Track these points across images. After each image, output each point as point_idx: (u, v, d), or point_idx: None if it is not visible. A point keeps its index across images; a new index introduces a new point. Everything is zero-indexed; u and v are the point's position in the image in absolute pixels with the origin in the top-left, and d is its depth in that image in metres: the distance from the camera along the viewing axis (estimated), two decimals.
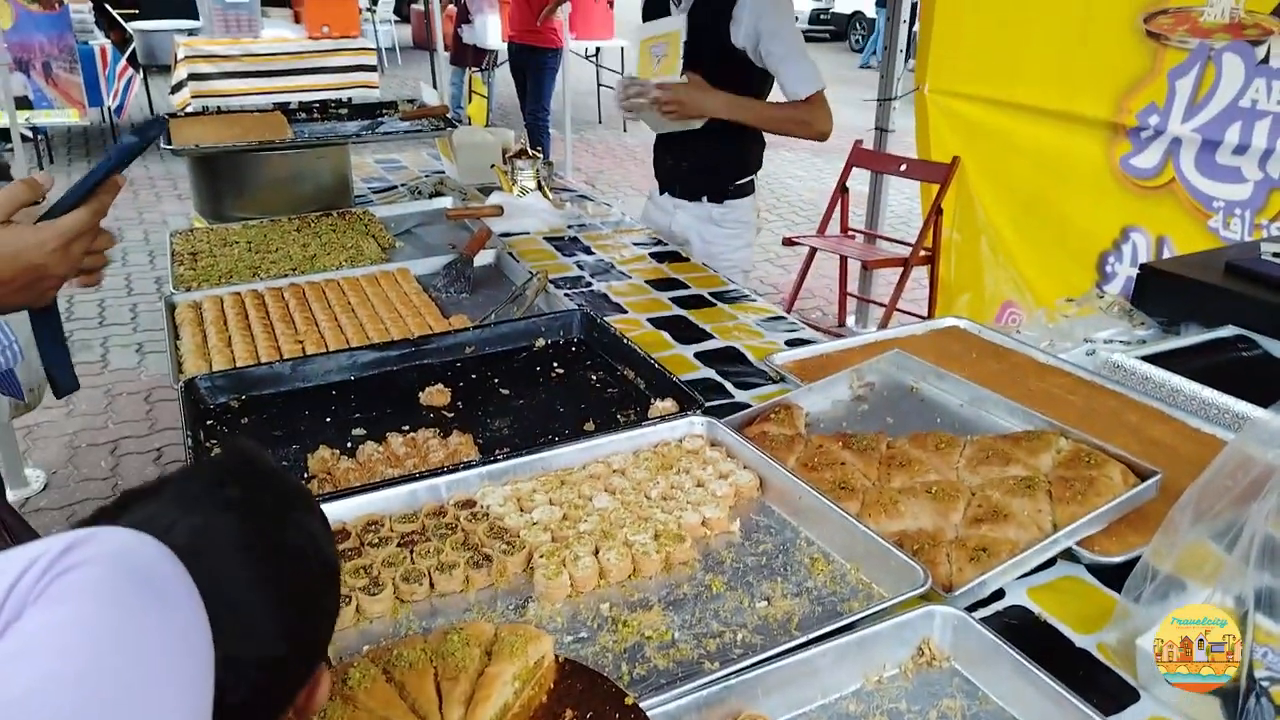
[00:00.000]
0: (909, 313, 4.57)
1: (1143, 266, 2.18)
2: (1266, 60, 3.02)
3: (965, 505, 1.35)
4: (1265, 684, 1.00)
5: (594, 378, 1.85)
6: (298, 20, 7.97)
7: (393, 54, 13.86)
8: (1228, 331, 1.93)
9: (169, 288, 2.23)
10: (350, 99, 3.77)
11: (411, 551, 1.25)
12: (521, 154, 3.05)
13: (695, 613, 1.18)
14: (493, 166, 3.17)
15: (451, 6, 8.76)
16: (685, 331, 2.12)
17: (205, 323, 2.04)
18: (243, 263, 2.41)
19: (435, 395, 1.74)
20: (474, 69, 8.71)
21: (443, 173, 3.49)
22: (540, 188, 3.02)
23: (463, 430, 1.60)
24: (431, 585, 1.22)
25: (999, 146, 4.07)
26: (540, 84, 7.38)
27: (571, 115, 8.07)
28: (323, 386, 1.80)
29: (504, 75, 8.54)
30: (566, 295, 2.24)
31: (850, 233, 4.93)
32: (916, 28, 4.59)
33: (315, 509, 0.77)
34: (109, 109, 8.44)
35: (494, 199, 2.95)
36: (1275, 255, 2.04)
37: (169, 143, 2.75)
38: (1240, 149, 3.12)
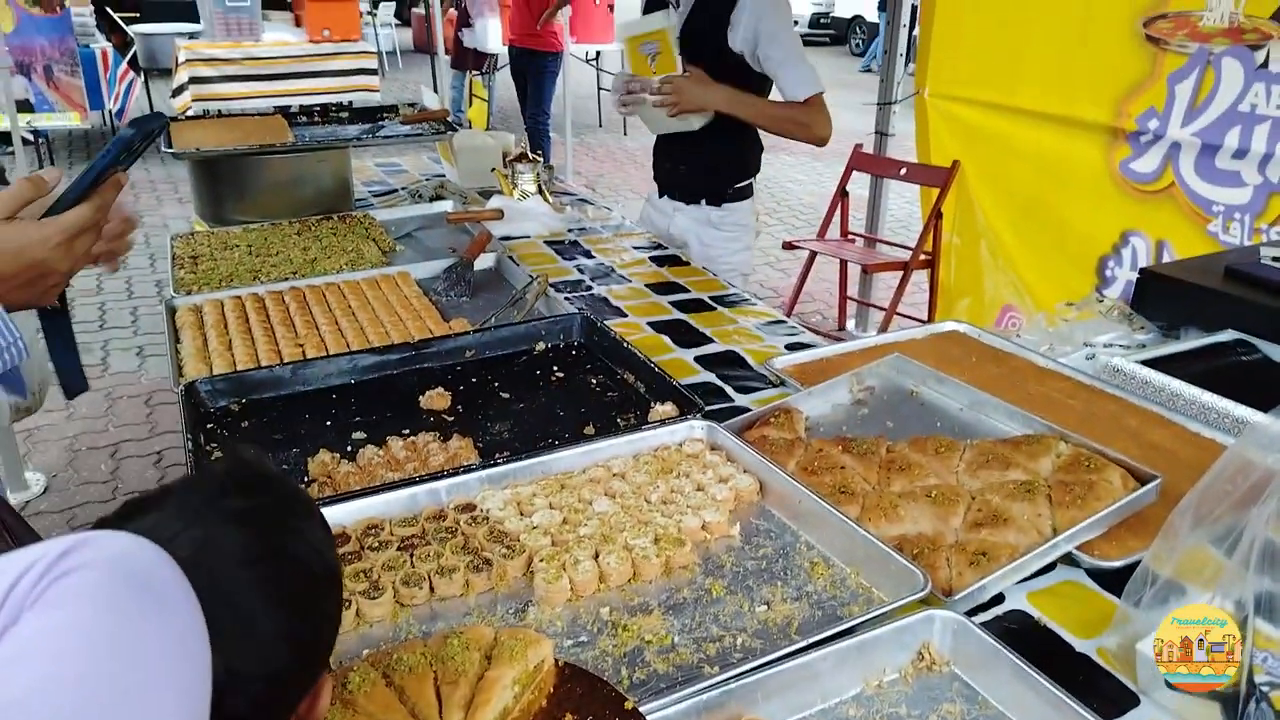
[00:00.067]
0: (909, 316, 4.57)
1: (1142, 271, 2.18)
2: (1266, 65, 3.03)
3: (965, 509, 1.35)
4: (1265, 689, 1.00)
5: (594, 381, 1.85)
6: (298, 24, 7.98)
7: (393, 57, 13.88)
8: (1227, 336, 1.93)
9: (169, 291, 2.23)
10: (351, 102, 3.77)
11: (411, 555, 1.25)
12: (522, 158, 3.06)
13: (695, 617, 1.18)
14: (493, 170, 3.18)
15: (452, 10, 8.76)
16: (685, 335, 2.12)
17: (206, 326, 2.04)
18: (243, 266, 2.41)
19: (435, 399, 1.74)
20: (474, 73, 8.73)
21: (443, 176, 3.49)
22: (540, 191, 3.02)
23: (463, 434, 1.60)
24: (431, 589, 1.22)
25: (999, 150, 4.08)
26: (540, 88, 7.39)
27: (572, 119, 8.08)
28: (323, 390, 1.80)
29: (504, 79, 8.56)
30: (566, 299, 2.24)
31: (850, 236, 4.93)
32: (916, 32, 4.59)
33: (317, 516, 0.77)
34: (110, 112, 8.45)
35: (494, 203, 2.95)
36: (1275, 259, 2.04)
37: (170, 146, 2.75)
38: (1240, 153, 3.12)
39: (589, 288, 2.40)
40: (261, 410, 1.73)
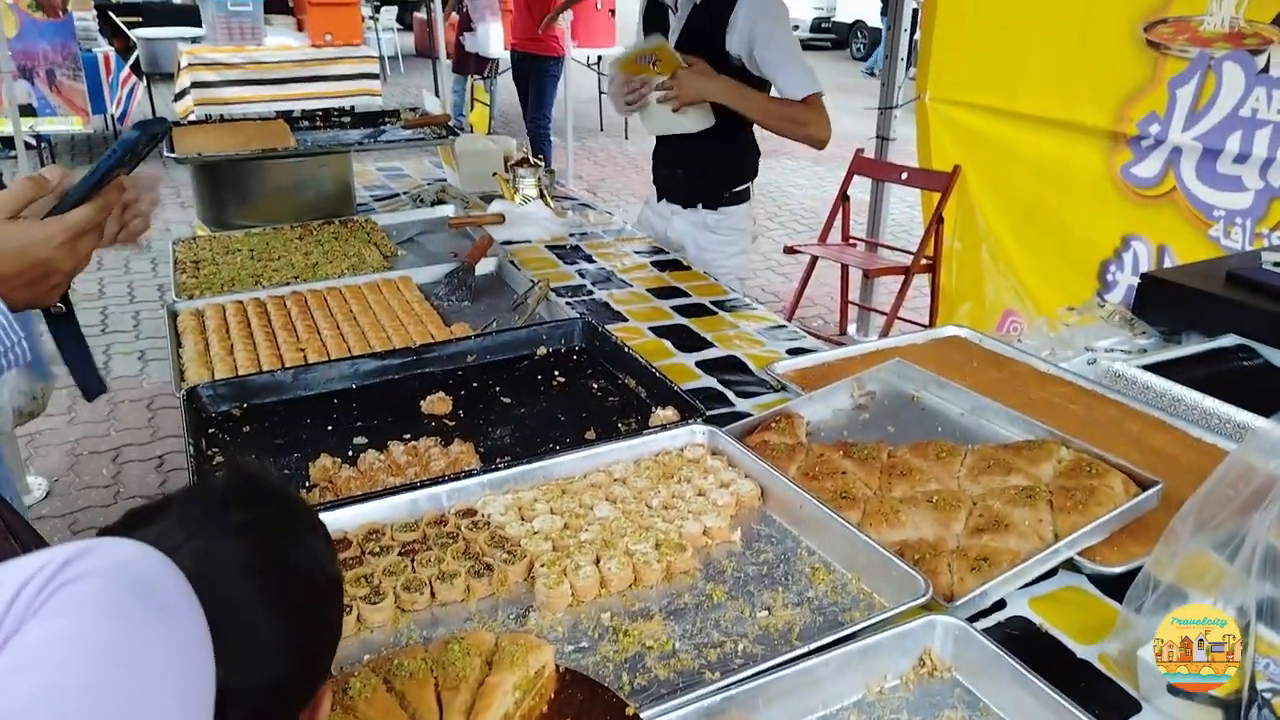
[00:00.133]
0: (910, 321, 4.57)
1: (1144, 275, 2.18)
2: (1266, 69, 3.03)
3: (966, 515, 1.35)
4: (1267, 695, 1.00)
5: (595, 386, 1.85)
6: (300, 28, 8.00)
7: (395, 62, 13.90)
8: (1229, 341, 1.93)
9: (171, 295, 2.24)
10: (353, 107, 3.78)
11: (413, 560, 1.25)
12: (523, 162, 3.06)
13: (696, 622, 1.18)
14: (494, 174, 3.18)
15: (454, 15, 8.78)
16: (686, 340, 2.12)
17: (207, 331, 2.04)
18: (245, 270, 2.42)
19: (437, 404, 1.74)
20: (476, 77, 8.74)
21: (445, 181, 3.49)
22: (542, 196, 3.02)
23: (464, 439, 1.60)
24: (432, 594, 1.22)
25: (1000, 155, 4.08)
26: (542, 92, 7.40)
27: (573, 123, 8.08)
28: (324, 395, 1.80)
29: (506, 83, 8.57)
30: (568, 304, 2.24)
31: (851, 241, 4.94)
32: (918, 36, 4.60)
33: (318, 526, 0.77)
34: (112, 116, 8.47)
35: (496, 207, 2.95)
36: (1276, 264, 2.04)
37: (172, 150, 2.75)
38: (1241, 158, 3.12)
39: (590, 292, 2.40)
40: (263, 415, 1.73)
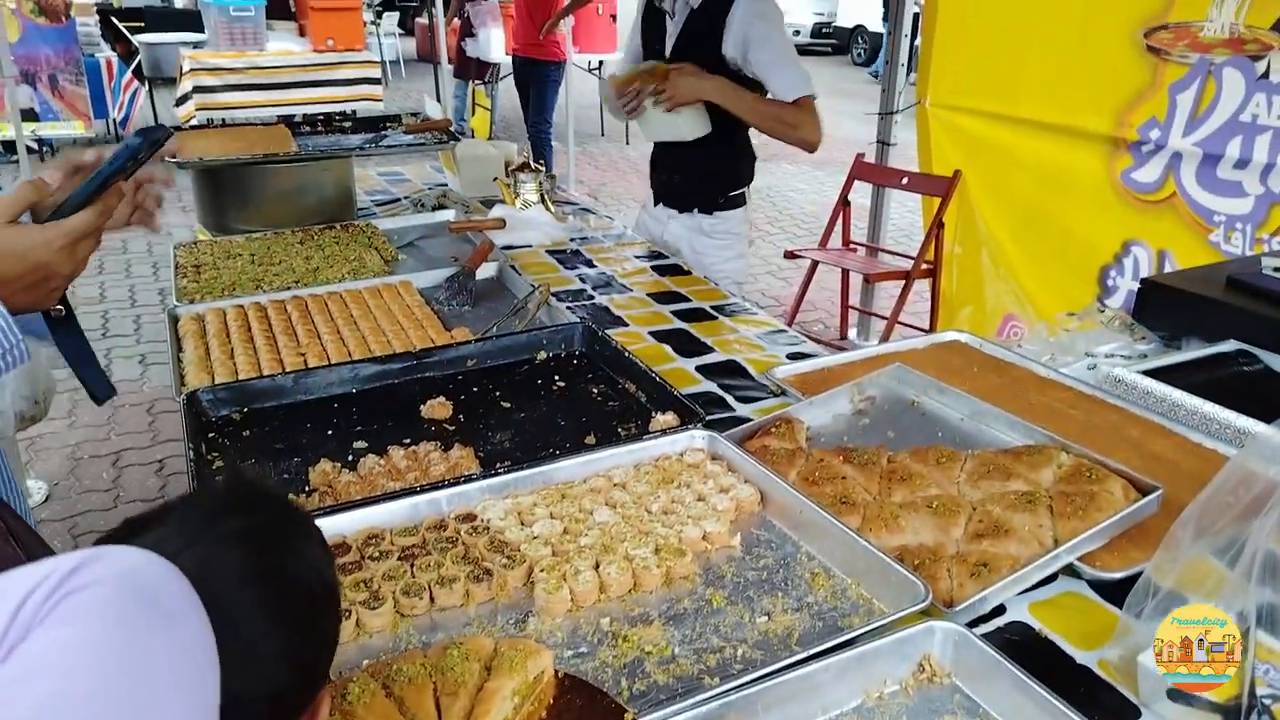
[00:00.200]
0: (911, 326, 4.57)
1: (1144, 281, 2.18)
2: (1266, 75, 3.03)
3: (966, 520, 1.35)
4: (1267, 701, 1.00)
5: (595, 391, 1.85)
6: (302, 33, 8.02)
7: (396, 67, 13.94)
8: (1229, 346, 1.93)
9: (172, 300, 2.24)
10: (354, 111, 3.79)
11: (412, 565, 1.25)
12: (524, 167, 3.07)
13: (695, 628, 1.18)
14: (495, 179, 3.19)
15: (455, 20, 8.80)
16: (686, 345, 2.12)
17: (208, 335, 2.04)
18: (246, 275, 2.42)
19: (437, 408, 1.74)
20: (477, 82, 8.76)
21: (445, 185, 3.50)
22: (542, 201, 3.03)
23: (464, 443, 1.60)
24: (432, 599, 1.21)
25: (1000, 160, 4.08)
26: (543, 97, 7.42)
27: (574, 128, 8.10)
28: (324, 399, 1.80)
29: (507, 88, 8.59)
30: (568, 308, 2.24)
31: (852, 246, 4.94)
32: (918, 42, 4.61)
33: (315, 533, 0.77)
34: (114, 121, 8.50)
35: (496, 212, 2.95)
36: (1276, 270, 2.04)
37: (174, 155, 2.76)
38: (1241, 163, 3.12)
39: (590, 297, 2.41)
40: (263, 419, 1.73)
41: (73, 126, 7.94)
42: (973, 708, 1.06)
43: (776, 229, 7.56)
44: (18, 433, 2.93)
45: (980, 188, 4.24)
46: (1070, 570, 1.29)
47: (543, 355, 1.99)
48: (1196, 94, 3.23)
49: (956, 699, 1.08)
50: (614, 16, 9.58)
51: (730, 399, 1.86)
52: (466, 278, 2.41)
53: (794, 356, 2.05)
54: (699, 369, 1.99)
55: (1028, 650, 1.15)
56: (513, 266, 2.49)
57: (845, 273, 4.97)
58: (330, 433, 1.68)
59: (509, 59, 7.79)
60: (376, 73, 7.86)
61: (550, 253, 2.76)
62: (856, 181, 4.79)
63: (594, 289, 2.46)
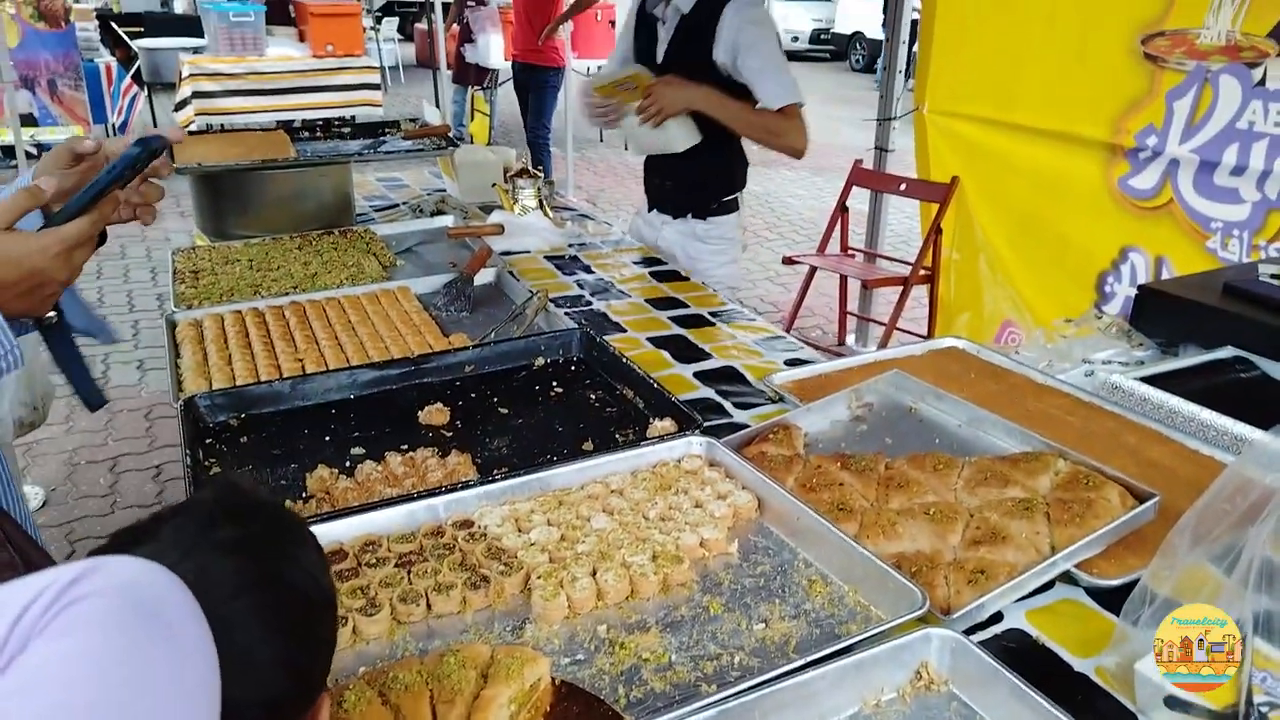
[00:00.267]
0: (909, 332, 4.58)
1: (1141, 287, 2.18)
2: (1263, 83, 3.04)
3: (963, 527, 1.35)
4: (1264, 709, 1.00)
5: (593, 397, 1.85)
6: (302, 39, 8.02)
7: (396, 72, 13.96)
8: (1226, 353, 1.93)
9: (170, 305, 2.24)
10: (353, 117, 3.80)
11: (409, 572, 1.25)
12: (523, 173, 3.07)
13: (693, 635, 1.18)
14: (494, 185, 3.19)
15: (455, 26, 8.82)
16: (684, 351, 2.12)
17: (206, 341, 2.04)
18: (244, 281, 2.42)
19: (434, 414, 1.74)
20: (476, 88, 8.77)
21: (444, 191, 3.50)
22: (541, 206, 3.03)
23: (461, 450, 1.60)
24: (429, 606, 1.21)
25: (998, 167, 4.09)
26: (542, 102, 7.43)
27: (573, 134, 8.11)
28: (322, 405, 1.80)
29: (506, 94, 8.59)
30: (566, 314, 2.24)
31: (850, 252, 4.94)
32: (916, 48, 4.62)
33: (310, 541, 0.77)
34: (113, 126, 8.49)
35: (495, 217, 2.96)
36: (1273, 276, 2.04)
37: (172, 160, 2.76)
38: (1238, 170, 3.13)
39: (589, 303, 2.41)
40: (260, 425, 1.73)
41: (71, 132, 7.93)
42: (969, 715, 1.06)
43: (775, 235, 7.56)
44: (17, 438, 2.93)
45: (978, 194, 4.25)
46: (1067, 577, 1.29)
47: (540, 361, 1.99)
48: (1193, 101, 3.24)
49: (954, 706, 1.08)
50: (612, 23, 9.61)
51: (728, 405, 1.86)
52: (465, 283, 2.41)
53: (792, 362, 2.05)
54: (697, 375, 1.99)
55: (1025, 658, 1.15)
56: (511, 272, 2.49)
57: (843, 279, 4.98)
58: (328, 439, 1.68)
59: (508, 65, 7.80)
60: (376, 78, 7.86)
61: (548, 258, 2.76)
62: (854, 187, 4.80)
63: (592, 295, 2.47)
